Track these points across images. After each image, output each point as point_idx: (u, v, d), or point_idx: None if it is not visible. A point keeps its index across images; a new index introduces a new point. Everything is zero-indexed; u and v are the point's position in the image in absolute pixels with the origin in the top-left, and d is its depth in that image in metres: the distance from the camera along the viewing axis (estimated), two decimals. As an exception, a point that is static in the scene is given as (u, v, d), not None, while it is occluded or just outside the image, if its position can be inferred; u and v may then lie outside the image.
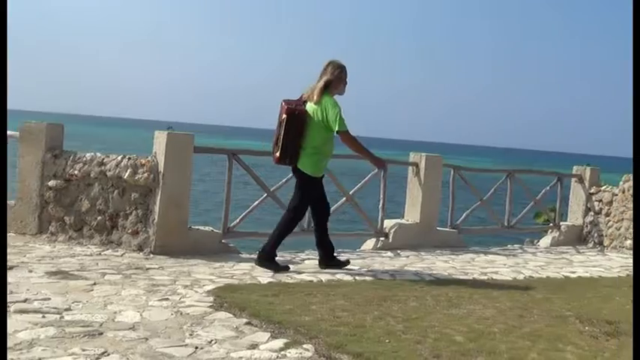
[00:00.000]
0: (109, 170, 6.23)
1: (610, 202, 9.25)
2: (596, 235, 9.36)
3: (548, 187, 9.63)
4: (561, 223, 9.62)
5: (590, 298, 5.42)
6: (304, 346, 3.50)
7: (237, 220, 6.81)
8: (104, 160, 6.31)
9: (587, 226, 9.52)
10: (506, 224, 9.10)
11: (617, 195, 9.16)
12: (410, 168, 8.08)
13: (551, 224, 9.72)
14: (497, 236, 10.02)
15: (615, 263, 7.82)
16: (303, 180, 5.79)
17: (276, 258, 5.82)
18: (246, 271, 5.56)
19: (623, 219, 9.01)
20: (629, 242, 8.84)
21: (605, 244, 9.13)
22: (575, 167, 9.92)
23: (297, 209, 5.91)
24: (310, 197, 5.88)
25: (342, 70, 5.73)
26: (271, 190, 7.07)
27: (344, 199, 7.53)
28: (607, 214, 9.25)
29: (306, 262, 6.28)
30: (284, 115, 5.64)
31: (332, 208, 7.41)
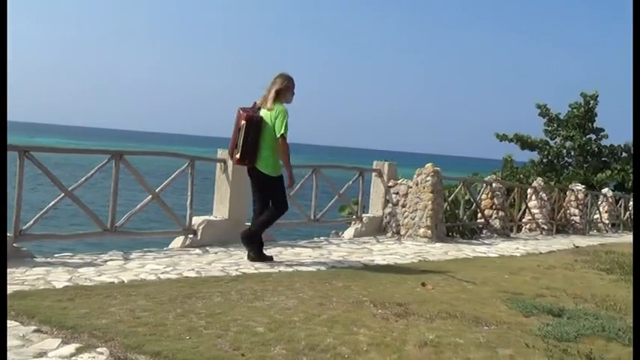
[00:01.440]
0: None
1: (406, 194, 10.00)
2: (394, 224, 10.07)
3: (351, 182, 10.15)
4: (363, 215, 10.21)
5: (385, 284, 5.80)
6: (98, 349, 3.35)
7: (31, 222, 6.34)
8: None
9: (386, 217, 10.21)
10: (312, 218, 9.44)
11: (411, 187, 9.92)
12: (218, 164, 8.08)
13: (354, 216, 10.28)
14: (305, 230, 10.38)
15: (410, 250, 8.47)
16: (263, 179, 6.40)
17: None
18: (40, 276, 5.20)
19: (417, 209, 9.77)
20: (422, 230, 9.63)
21: (402, 233, 9.84)
22: (375, 162, 10.58)
23: (278, 206, 6.48)
24: (279, 192, 6.48)
25: (289, 81, 6.47)
26: (70, 189, 6.68)
27: (149, 197, 7.33)
28: (403, 206, 9.99)
29: (108, 263, 6.02)
30: (243, 122, 6.25)
31: (137, 207, 7.20)
